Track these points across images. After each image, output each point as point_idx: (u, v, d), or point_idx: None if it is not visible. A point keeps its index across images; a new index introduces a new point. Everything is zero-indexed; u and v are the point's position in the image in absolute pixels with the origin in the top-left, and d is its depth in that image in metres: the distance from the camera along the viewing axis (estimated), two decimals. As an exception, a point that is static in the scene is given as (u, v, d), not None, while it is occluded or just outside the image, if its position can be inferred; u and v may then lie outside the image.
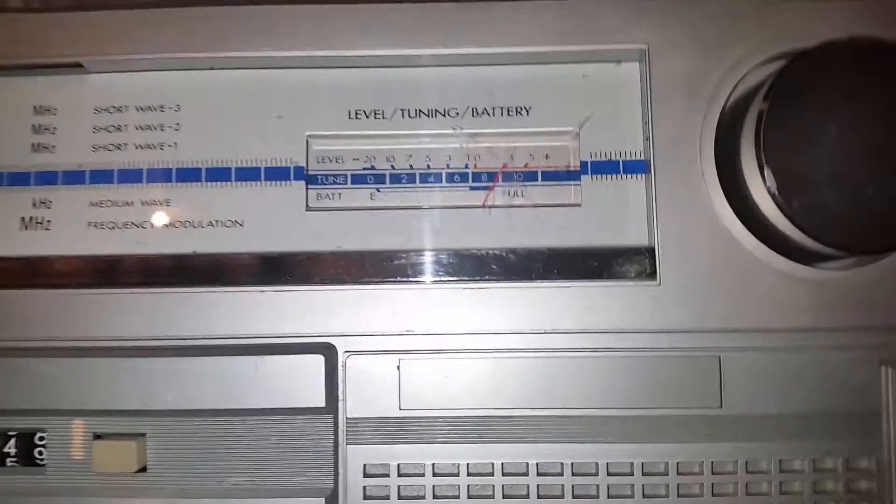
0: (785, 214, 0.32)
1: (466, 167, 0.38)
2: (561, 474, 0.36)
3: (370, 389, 0.36)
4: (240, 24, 0.37)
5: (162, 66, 0.38)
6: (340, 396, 0.36)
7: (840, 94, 0.32)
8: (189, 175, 0.38)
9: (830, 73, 0.32)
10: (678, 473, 0.36)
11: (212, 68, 0.38)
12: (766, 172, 0.32)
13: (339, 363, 0.36)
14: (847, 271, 0.36)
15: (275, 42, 0.37)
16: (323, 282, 0.36)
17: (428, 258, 0.36)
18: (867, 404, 0.36)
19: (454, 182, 0.38)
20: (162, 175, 0.38)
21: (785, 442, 0.36)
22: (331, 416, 0.35)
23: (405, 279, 0.36)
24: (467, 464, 0.36)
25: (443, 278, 0.36)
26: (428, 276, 0.36)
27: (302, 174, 0.37)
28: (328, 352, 0.36)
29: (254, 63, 0.37)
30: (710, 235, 0.35)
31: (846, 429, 0.36)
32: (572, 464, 0.36)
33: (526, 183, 0.38)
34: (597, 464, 0.36)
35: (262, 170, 0.37)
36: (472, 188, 0.38)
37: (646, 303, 0.35)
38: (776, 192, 0.32)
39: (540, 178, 0.38)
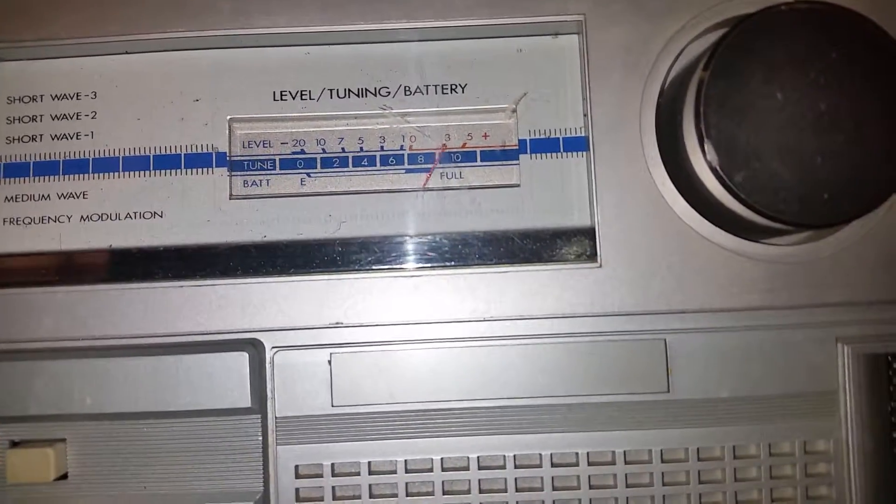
0: (728, 189, 0.31)
1: (402, 148, 0.36)
2: (504, 467, 0.34)
3: (300, 386, 0.34)
4: (154, 3, 0.35)
5: (76, 51, 0.36)
6: (269, 395, 0.34)
7: (784, 60, 0.31)
8: (106, 165, 0.36)
9: (773, 40, 0.31)
10: (626, 462, 0.34)
11: (127, 52, 0.36)
12: (707, 146, 0.30)
13: (267, 359, 0.34)
14: (799, 246, 0.34)
15: (191, 21, 0.35)
16: (247, 274, 0.34)
17: (358, 246, 0.35)
18: (823, 384, 0.35)
19: (389, 164, 0.36)
20: (78, 166, 0.36)
21: (738, 426, 0.35)
22: (258, 416, 0.34)
23: (334, 269, 0.34)
24: (405, 460, 0.34)
25: (374, 267, 0.34)
26: (358, 265, 0.34)
27: (224, 160, 0.36)
28: (254, 348, 0.34)
29: (171, 45, 0.36)
30: (652, 214, 0.34)
31: (802, 410, 0.35)
32: (515, 456, 0.34)
33: (463, 164, 0.36)
34: (540, 455, 0.34)
35: (182, 157, 0.35)
36: (408, 170, 0.36)
37: (587, 286, 0.34)
38: (718, 167, 0.30)
39: (479, 158, 0.36)
